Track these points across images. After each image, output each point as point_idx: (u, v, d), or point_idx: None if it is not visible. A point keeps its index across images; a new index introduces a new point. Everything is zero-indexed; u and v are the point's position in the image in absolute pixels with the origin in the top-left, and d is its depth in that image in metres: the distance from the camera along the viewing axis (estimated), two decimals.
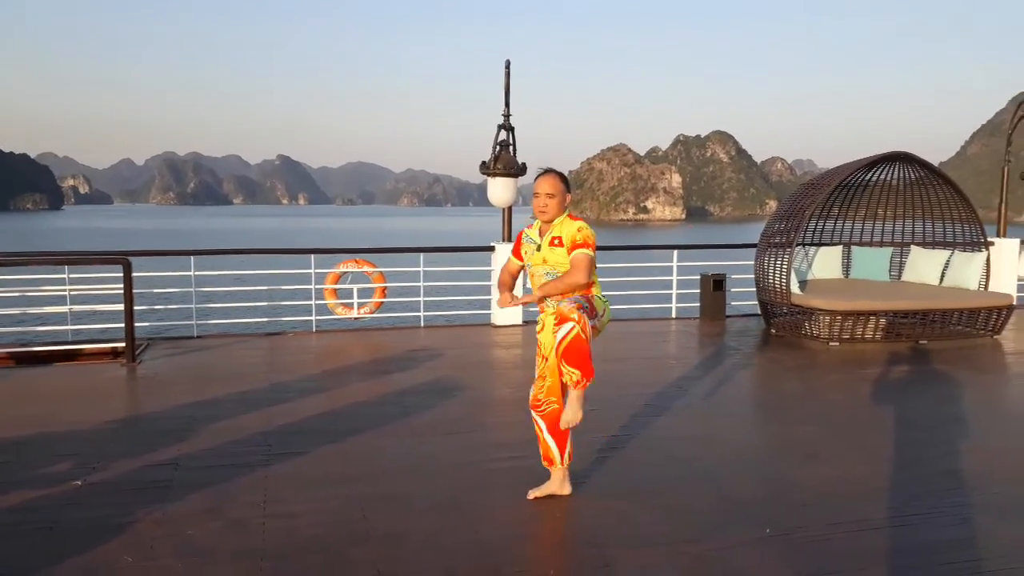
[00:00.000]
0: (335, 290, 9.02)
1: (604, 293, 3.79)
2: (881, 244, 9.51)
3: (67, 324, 8.04)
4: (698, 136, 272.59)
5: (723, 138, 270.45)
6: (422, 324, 9.16)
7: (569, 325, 3.38)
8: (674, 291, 9.71)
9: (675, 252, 9.84)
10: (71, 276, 7.93)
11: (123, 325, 6.94)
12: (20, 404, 5.72)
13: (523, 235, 3.85)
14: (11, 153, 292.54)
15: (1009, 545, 3.41)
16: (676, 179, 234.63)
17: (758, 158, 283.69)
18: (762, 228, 8.91)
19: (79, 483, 4.05)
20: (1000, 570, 3.18)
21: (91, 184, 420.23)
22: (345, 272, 9.05)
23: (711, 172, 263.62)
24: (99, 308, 8.39)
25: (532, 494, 3.83)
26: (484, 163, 8.53)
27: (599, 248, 3.70)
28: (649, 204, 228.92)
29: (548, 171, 3.71)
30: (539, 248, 3.69)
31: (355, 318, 8.93)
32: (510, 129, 8.51)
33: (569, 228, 3.60)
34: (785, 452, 4.76)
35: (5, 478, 4.13)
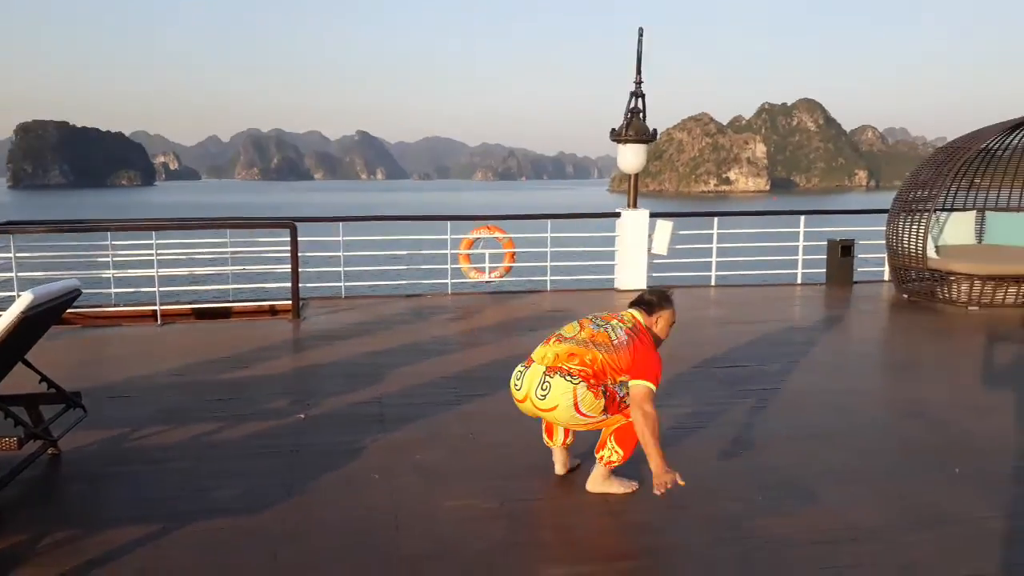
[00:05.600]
0: (468, 255, 9.44)
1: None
2: (1019, 209, 9.26)
3: (228, 284, 8.70)
4: (784, 104, 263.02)
5: (811, 106, 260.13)
6: (548, 288, 9.50)
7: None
8: (800, 257, 9.74)
9: (802, 218, 9.85)
10: (232, 240, 8.57)
11: (285, 285, 7.54)
12: (216, 351, 6.33)
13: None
14: (107, 132, 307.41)
15: None
16: (760, 149, 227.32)
17: (847, 127, 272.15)
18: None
19: (303, 416, 4.55)
20: None
21: (180, 160, 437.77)
22: (478, 238, 9.44)
23: (797, 141, 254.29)
24: (254, 269, 9.03)
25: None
26: (614, 130, 8.73)
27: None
28: (731, 175, 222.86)
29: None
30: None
31: (486, 281, 9.34)
32: (641, 96, 8.68)
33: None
34: (959, 406, 4.77)
35: (234, 411, 4.66)
